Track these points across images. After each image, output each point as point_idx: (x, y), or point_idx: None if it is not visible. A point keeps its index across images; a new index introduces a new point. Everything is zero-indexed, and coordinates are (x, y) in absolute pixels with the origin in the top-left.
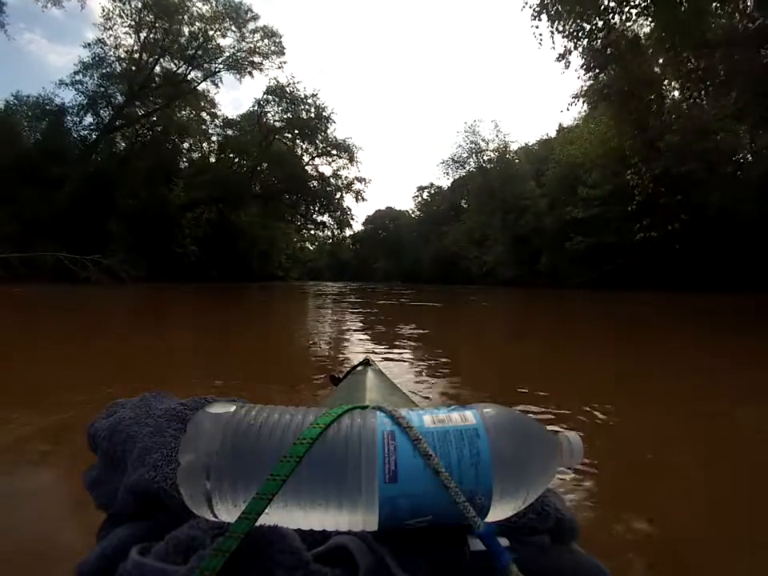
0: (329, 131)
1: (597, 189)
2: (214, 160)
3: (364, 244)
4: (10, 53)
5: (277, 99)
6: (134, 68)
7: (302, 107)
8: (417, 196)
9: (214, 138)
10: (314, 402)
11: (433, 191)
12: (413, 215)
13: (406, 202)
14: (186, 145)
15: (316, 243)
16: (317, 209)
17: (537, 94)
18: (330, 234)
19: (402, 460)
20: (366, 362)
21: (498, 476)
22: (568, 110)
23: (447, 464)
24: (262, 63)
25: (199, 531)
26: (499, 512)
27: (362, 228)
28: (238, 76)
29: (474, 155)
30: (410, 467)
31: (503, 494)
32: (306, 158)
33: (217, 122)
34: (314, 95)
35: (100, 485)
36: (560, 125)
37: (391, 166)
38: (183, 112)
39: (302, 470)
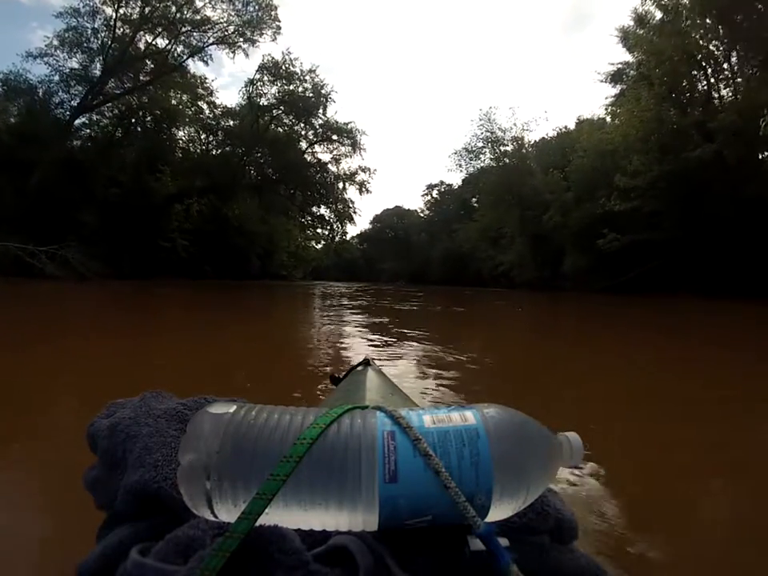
0: (329, 114)
1: (637, 177)
2: (204, 147)
3: (371, 243)
4: (21, 51)
5: (271, 77)
6: (111, 43)
7: (299, 84)
8: (426, 194)
9: (206, 123)
10: (314, 403)
11: (443, 189)
12: (421, 214)
13: (414, 201)
14: (177, 131)
15: (322, 242)
16: (316, 200)
17: (551, 89)
18: (330, 228)
19: (402, 460)
20: (366, 362)
21: (498, 476)
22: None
23: (447, 464)
24: (253, 35)
25: (199, 531)
26: (499, 512)
27: (369, 227)
28: (231, 55)
29: (489, 145)
30: (410, 467)
31: (503, 494)
32: (303, 145)
33: (216, 111)
34: (311, 71)
35: (100, 485)
36: (578, 117)
37: (400, 164)
38: (181, 97)
39: (302, 470)
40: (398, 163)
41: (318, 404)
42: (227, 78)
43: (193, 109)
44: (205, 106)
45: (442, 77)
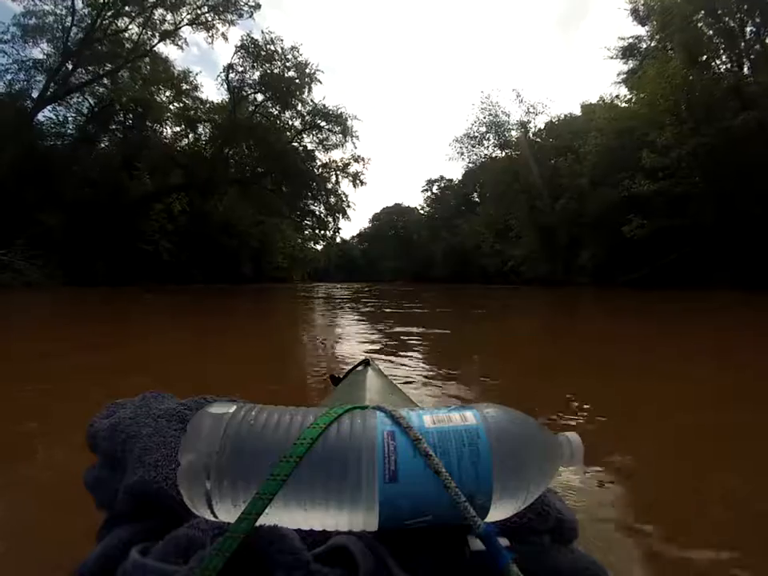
0: (317, 100)
1: (667, 154)
2: (185, 141)
3: (372, 242)
4: None
5: (251, 59)
6: (71, 25)
7: (281, 66)
8: (426, 190)
9: (187, 117)
10: (314, 402)
11: (443, 185)
12: (422, 211)
13: (414, 198)
14: (155, 126)
15: (321, 242)
16: (306, 194)
17: (551, 80)
18: (321, 223)
19: (402, 460)
20: (366, 362)
21: (499, 476)
22: None
23: (447, 464)
24: (228, 10)
25: (199, 531)
26: (499, 512)
27: (369, 225)
28: (210, 39)
29: (493, 128)
30: (410, 467)
31: (503, 494)
32: (290, 135)
33: (202, 107)
34: (294, 48)
35: (100, 485)
36: (583, 103)
37: (399, 162)
38: (165, 92)
39: (302, 470)
40: (397, 160)
41: (317, 404)
42: (182, 41)
43: (176, 105)
44: (190, 102)
45: (439, 72)
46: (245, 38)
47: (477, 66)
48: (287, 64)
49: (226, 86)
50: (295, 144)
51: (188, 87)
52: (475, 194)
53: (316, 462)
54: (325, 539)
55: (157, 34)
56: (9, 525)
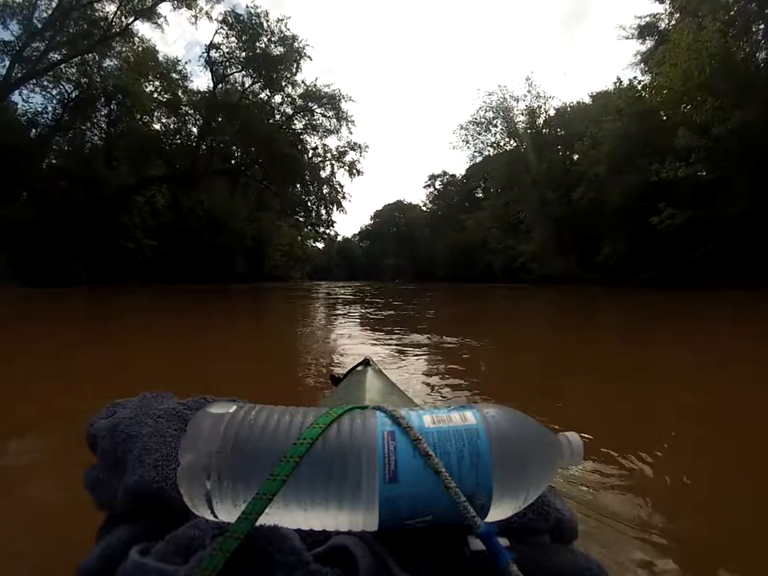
0: (308, 81)
1: (705, 133)
2: (168, 130)
3: (373, 240)
4: None
5: (234, 36)
6: (39, 2)
7: (267, 42)
8: (428, 185)
9: (171, 105)
10: (314, 402)
11: (446, 180)
12: (424, 208)
13: (416, 195)
14: (137, 115)
15: (322, 239)
16: (297, 184)
17: (554, 78)
18: (315, 216)
19: (402, 460)
20: (366, 362)
21: (498, 476)
22: None
23: (447, 464)
24: None
25: (199, 531)
26: (499, 512)
27: (371, 222)
28: (194, 20)
29: (501, 114)
30: (410, 467)
31: (503, 494)
32: (280, 120)
33: (194, 98)
34: (281, 21)
35: (100, 485)
36: (591, 93)
37: (401, 158)
38: (153, 82)
39: (302, 470)
40: (399, 157)
41: (317, 404)
42: (161, 19)
43: (164, 95)
44: (179, 92)
45: (441, 70)
46: (228, 12)
47: (479, 64)
48: (273, 39)
49: (209, 69)
50: (286, 132)
51: (177, 77)
52: (479, 190)
53: (316, 462)
54: (325, 539)
55: (131, 12)
56: (8, 525)
